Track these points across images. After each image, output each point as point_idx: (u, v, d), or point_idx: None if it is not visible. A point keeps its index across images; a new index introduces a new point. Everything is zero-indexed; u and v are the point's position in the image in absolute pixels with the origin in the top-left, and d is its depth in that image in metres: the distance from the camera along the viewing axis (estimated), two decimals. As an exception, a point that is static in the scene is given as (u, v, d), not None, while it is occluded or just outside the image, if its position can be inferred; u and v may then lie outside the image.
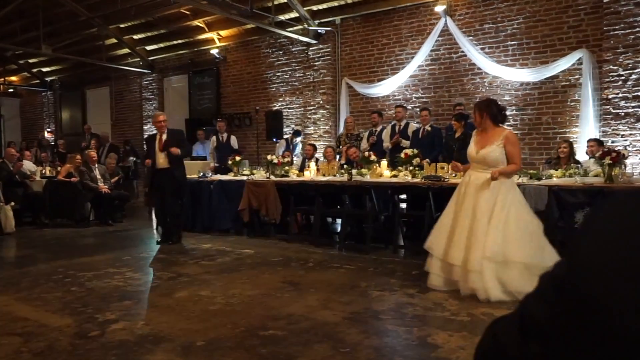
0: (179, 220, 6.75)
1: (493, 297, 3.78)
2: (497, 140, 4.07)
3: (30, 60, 14.72)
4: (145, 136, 7.48)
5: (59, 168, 9.59)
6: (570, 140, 6.98)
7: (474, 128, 7.62)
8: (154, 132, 7.08)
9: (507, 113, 7.92)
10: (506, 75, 8.10)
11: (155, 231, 7.99)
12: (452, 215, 4.17)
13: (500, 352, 0.49)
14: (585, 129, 7.31)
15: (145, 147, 7.22)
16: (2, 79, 15.66)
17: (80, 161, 8.86)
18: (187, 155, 7.03)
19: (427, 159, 6.55)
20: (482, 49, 8.30)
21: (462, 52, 8.46)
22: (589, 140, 6.58)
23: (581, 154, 6.75)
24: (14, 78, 16.25)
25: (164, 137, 6.56)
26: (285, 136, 9.98)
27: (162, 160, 6.53)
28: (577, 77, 7.53)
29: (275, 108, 10.73)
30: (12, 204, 7.96)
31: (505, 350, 0.48)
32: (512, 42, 8.07)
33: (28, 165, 9.41)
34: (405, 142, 7.54)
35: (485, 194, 4.00)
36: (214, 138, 9.66)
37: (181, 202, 6.90)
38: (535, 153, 7.90)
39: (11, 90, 16.69)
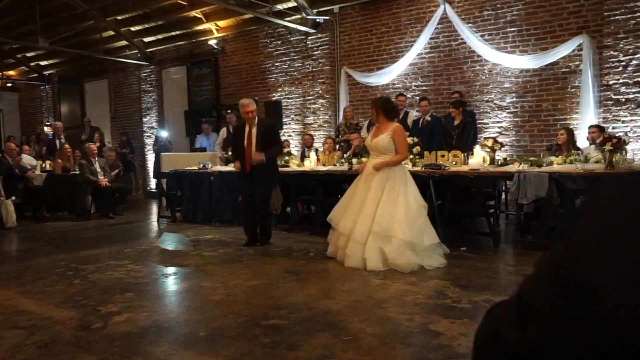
0: (268, 220, 6.02)
1: (369, 267, 4.46)
2: (387, 131, 4.77)
3: (28, 54, 14.67)
4: (231, 128, 6.72)
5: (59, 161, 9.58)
6: (570, 127, 6.95)
7: (472, 115, 7.67)
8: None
9: (507, 100, 8.06)
10: (506, 62, 8.05)
11: (156, 223, 8.02)
12: (351, 193, 4.93)
13: (498, 337, 0.49)
14: (586, 116, 7.28)
15: (228, 139, 6.21)
16: (0, 74, 15.62)
17: (80, 154, 8.86)
18: (279, 152, 5.97)
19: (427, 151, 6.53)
20: (481, 36, 8.24)
21: (462, 39, 8.40)
22: (590, 127, 6.56)
23: (582, 141, 6.73)
24: (12, 72, 16.21)
25: (254, 131, 5.60)
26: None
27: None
28: (577, 63, 7.49)
29: (275, 98, 10.69)
30: (13, 198, 7.98)
31: (503, 335, 0.47)
32: (512, 29, 8.01)
33: (28, 159, 9.40)
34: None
35: (379, 177, 4.68)
36: (224, 129, 9.15)
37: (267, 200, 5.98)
38: (535, 140, 7.88)
39: (9, 84, 16.65)
